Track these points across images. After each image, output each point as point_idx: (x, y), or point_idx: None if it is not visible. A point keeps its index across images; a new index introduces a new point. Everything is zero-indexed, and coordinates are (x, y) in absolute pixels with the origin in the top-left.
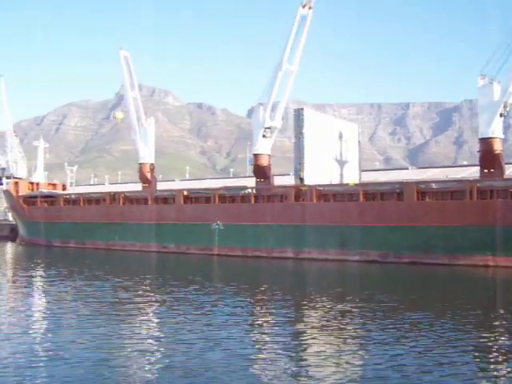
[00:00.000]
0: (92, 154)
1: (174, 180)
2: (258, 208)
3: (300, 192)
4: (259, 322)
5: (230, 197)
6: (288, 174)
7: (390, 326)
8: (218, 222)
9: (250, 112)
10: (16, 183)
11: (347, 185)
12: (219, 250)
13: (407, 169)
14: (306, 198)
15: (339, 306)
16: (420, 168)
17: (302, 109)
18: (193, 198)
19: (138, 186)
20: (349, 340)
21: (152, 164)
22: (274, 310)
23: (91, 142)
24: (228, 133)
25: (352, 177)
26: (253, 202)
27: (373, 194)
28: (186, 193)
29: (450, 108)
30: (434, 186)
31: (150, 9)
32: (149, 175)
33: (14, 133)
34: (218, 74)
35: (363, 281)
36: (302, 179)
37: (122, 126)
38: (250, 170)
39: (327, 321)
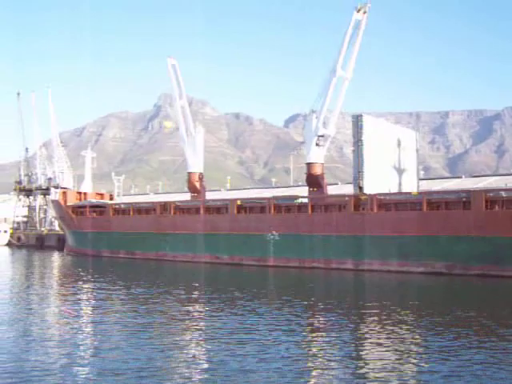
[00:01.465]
0: (131, 164)
1: (219, 190)
2: (315, 218)
3: (359, 201)
4: (318, 337)
5: (286, 206)
6: (336, 184)
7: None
8: (274, 232)
9: (288, 122)
10: (64, 193)
11: (410, 193)
12: (275, 261)
13: (460, 177)
14: (365, 208)
15: (419, 322)
16: (475, 176)
17: (361, 115)
18: (247, 207)
19: (182, 196)
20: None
21: (201, 173)
22: (336, 325)
23: (130, 152)
24: (265, 143)
25: (410, 185)
26: (310, 211)
27: (437, 202)
28: (239, 202)
29: (490, 116)
30: (503, 194)
31: (187, 21)
32: (198, 184)
33: (60, 143)
34: (255, 84)
35: (435, 293)
36: (361, 188)
37: (159, 137)
38: (291, 179)
39: (402, 338)
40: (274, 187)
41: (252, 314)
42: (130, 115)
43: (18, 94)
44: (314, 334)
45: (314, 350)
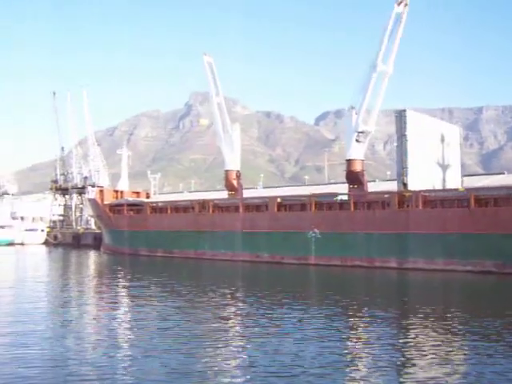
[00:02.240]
0: (162, 163)
1: (255, 188)
2: (358, 215)
3: (404, 198)
4: (360, 338)
5: (327, 204)
6: (373, 181)
7: None
8: (315, 230)
9: (318, 119)
10: (101, 191)
11: (456, 190)
12: (316, 260)
13: (503, 173)
14: (410, 205)
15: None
16: None
17: (405, 110)
18: (287, 205)
19: (218, 194)
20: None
21: (238, 171)
22: (380, 326)
23: (161, 151)
24: (296, 141)
25: (454, 182)
26: (352, 208)
27: (485, 199)
28: (279, 200)
29: None
30: None
31: (220, 18)
32: (235, 182)
33: (95, 142)
34: (285, 81)
35: (485, 293)
36: (405, 184)
37: (190, 136)
38: (326, 177)
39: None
40: (306, 185)
41: (295, 311)
42: (161, 114)
43: (54, 93)
44: (355, 336)
45: (355, 353)
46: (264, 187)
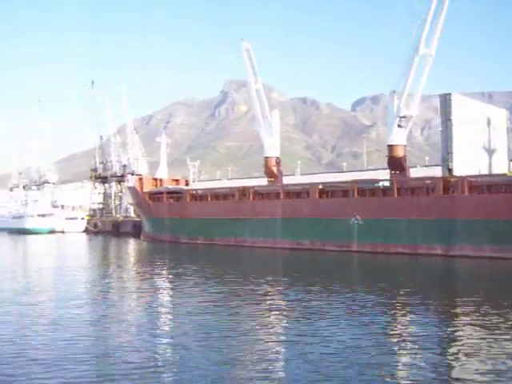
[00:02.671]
0: (198, 150)
1: (293, 174)
2: (401, 201)
3: (449, 183)
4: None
5: (370, 190)
6: (414, 167)
7: None
8: (357, 217)
9: (355, 105)
10: (140, 179)
11: (504, 175)
12: (358, 247)
13: None
14: (456, 190)
15: None
16: None
17: (450, 94)
18: (328, 191)
19: (257, 181)
20: None
21: (278, 157)
22: (427, 316)
23: (197, 139)
24: (333, 127)
25: (501, 166)
26: (395, 195)
27: None
28: (321, 186)
29: None
30: None
31: (254, 6)
32: (275, 169)
33: (134, 130)
34: (321, 67)
35: None
36: (450, 170)
37: (226, 123)
38: (365, 162)
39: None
40: (344, 171)
41: (343, 299)
42: (196, 102)
43: (92, 82)
44: (404, 327)
45: (403, 343)
46: (301, 174)
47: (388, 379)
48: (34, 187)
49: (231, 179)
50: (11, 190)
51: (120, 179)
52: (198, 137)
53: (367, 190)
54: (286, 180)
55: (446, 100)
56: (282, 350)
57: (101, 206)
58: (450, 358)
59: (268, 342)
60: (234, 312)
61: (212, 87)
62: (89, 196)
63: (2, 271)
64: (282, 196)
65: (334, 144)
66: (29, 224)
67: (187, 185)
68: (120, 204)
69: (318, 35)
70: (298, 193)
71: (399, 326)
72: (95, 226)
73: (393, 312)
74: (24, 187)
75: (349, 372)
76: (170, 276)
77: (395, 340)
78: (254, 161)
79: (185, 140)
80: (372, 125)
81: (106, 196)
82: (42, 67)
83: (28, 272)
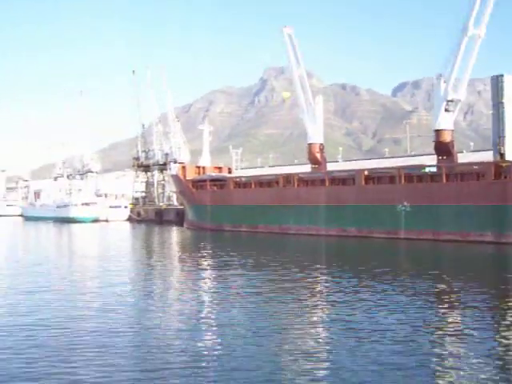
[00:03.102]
0: (238, 138)
1: (336, 161)
2: (450, 187)
3: (501, 168)
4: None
5: (417, 176)
6: (461, 152)
7: None
8: (405, 203)
9: (395, 91)
10: (183, 167)
11: None
12: (406, 234)
13: None
14: (508, 175)
15: None
16: None
17: (502, 75)
18: (374, 177)
19: (299, 168)
20: None
21: (321, 144)
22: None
23: (237, 127)
24: (373, 113)
25: None
26: (444, 180)
27: None
28: (366, 173)
29: None
30: None
31: None
32: (318, 155)
33: (175, 118)
34: (361, 53)
35: None
36: (502, 154)
37: (265, 111)
38: (408, 148)
39: None
40: (387, 157)
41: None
42: (235, 90)
43: (133, 71)
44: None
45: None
46: (346, 160)
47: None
48: (77, 176)
49: (273, 166)
50: (55, 179)
51: (162, 167)
52: (238, 124)
53: (414, 175)
54: (329, 167)
55: (497, 82)
56: (336, 339)
57: (143, 194)
58: None
59: (321, 330)
60: (286, 300)
61: (251, 75)
62: (130, 185)
63: (49, 260)
64: (327, 183)
65: (374, 130)
66: (73, 213)
67: (230, 172)
68: (163, 192)
69: (357, 19)
70: (344, 179)
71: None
72: (138, 214)
73: (453, 304)
74: (68, 176)
75: (409, 363)
76: (218, 264)
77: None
78: (294, 148)
79: (224, 128)
80: (413, 110)
81: (149, 184)
82: (84, 56)
83: (75, 261)
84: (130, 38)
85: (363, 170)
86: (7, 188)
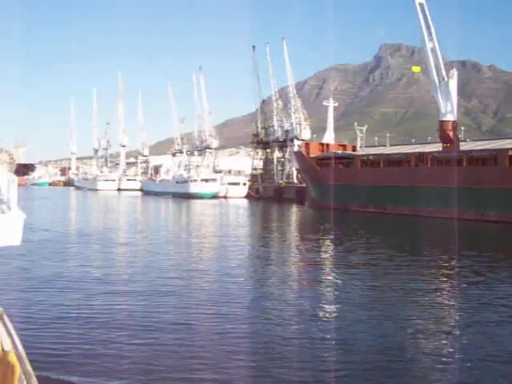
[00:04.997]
0: (352, 117)
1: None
2: None
3: None
4: None
5: None
6: None
7: None
8: None
9: None
10: (307, 144)
11: None
12: None
13: None
14: None
15: None
16: None
17: None
18: None
19: (423, 147)
20: None
21: (455, 121)
22: None
23: (351, 105)
24: (495, 91)
25: None
26: None
27: None
28: (511, 153)
29: None
30: None
31: None
32: (451, 134)
33: (296, 94)
34: (483, 27)
35: None
36: None
37: (380, 89)
38: None
39: None
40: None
41: None
42: (349, 67)
43: (254, 47)
44: None
45: None
46: (476, 139)
47: None
48: (195, 152)
49: (395, 145)
50: (174, 155)
51: (282, 144)
52: (352, 103)
53: None
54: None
55: None
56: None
57: (261, 171)
58: None
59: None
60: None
61: (365, 52)
62: (244, 162)
63: (169, 236)
64: (464, 163)
65: (495, 109)
66: (192, 189)
67: (354, 150)
68: (282, 170)
69: None
70: (483, 159)
71: None
72: (257, 191)
73: None
74: (186, 152)
75: None
76: (353, 248)
77: None
78: (409, 127)
79: (339, 106)
80: None
81: (268, 161)
82: (203, 32)
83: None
84: (250, 13)
85: (507, 149)
86: (127, 163)
